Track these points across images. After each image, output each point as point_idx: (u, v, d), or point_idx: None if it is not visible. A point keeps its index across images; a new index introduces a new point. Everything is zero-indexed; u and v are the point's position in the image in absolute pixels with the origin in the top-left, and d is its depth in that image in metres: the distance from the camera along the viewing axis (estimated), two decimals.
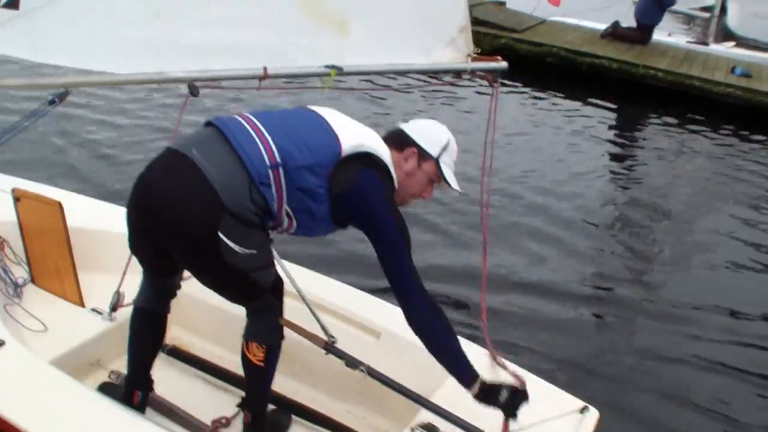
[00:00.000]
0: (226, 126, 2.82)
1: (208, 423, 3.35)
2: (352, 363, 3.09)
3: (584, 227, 7.30)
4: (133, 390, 3.24)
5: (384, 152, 2.95)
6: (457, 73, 4.27)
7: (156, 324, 3.28)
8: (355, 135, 2.91)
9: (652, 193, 8.59)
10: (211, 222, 2.67)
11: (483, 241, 3.93)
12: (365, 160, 2.86)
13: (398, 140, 3.08)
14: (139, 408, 3.25)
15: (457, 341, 2.88)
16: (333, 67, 4.01)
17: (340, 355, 3.14)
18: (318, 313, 3.32)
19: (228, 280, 2.88)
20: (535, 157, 9.16)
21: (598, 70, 13.08)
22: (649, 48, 13.83)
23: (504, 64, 4.25)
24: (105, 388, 3.43)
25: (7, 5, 3.35)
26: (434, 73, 4.39)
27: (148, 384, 3.30)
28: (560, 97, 12.08)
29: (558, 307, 5.72)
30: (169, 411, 3.37)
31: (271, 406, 3.37)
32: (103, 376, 3.55)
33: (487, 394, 2.79)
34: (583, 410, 3.26)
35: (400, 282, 2.79)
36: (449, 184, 3.12)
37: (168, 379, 3.59)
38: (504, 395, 2.75)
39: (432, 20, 4.16)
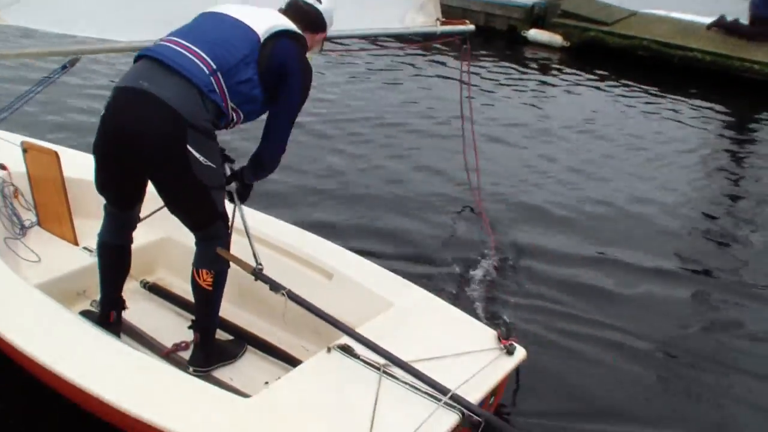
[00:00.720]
0: (161, 54, 3.13)
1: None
2: (274, 287, 3.38)
3: (672, 209, 7.04)
4: (108, 311, 3.68)
5: (291, 25, 3.33)
6: (428, 37, 4.66)
7: (122, 254, 3.67)
8: (264, 20, 3.27)
9: (743, 183, 8.28)
10: (180, 137, 3.02)
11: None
12: (279, 35, 3.26)
13: (314, 23, 3.50)
14: (115, 325, 3.69)
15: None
16: None
17: (265, 280, 3.42)
18: (253, 243, 3.65)
19: (193, 196, 3.24)
20: (619, 146, 8.94)
21: (690, 63, 12.80)
22: (744, 40, 13.35)
23: (471, 27, 4.62)
24: (86, 314, 3.79)
25: None
26: (406, 36, 4.79)
27: (120, 304, 3.74)
28: (650, 90, 11.89)
29: (649, 284, 5.54)
30: (139, 336, 3.84)
31: (229, 336, 3.85)
32: (85, 305, 3.97)
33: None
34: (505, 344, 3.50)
35: (282, 133, 3.42)
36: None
37: (144, 311, 4.04)
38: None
39: None
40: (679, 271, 5.74)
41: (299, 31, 3.36)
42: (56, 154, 4.21)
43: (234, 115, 3.26)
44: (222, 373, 3.59)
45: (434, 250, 5.58)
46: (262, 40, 3.21)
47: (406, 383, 3.08)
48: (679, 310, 5.18)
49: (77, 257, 4.15)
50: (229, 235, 3.51)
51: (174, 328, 3.92)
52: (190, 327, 3.66)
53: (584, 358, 4.44)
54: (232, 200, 3.66)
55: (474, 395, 3.10)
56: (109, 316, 3.71)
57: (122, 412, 2.84)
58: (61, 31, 4.24)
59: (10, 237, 4.13)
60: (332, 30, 4.47)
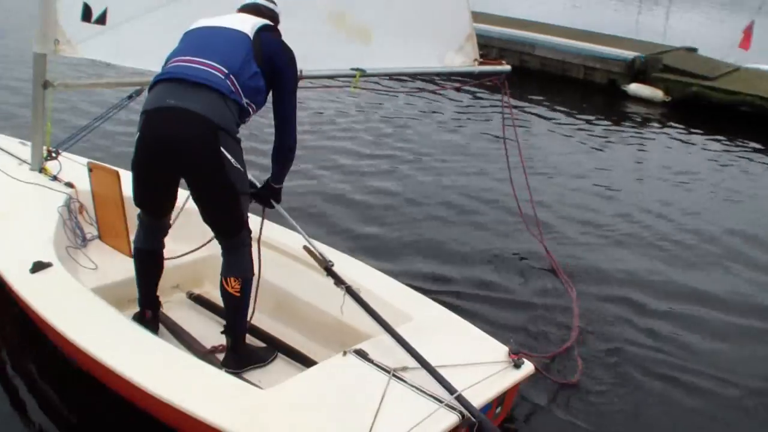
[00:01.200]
0: (178, 73, 3.44)
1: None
2: (339, 282, 3.87)
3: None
4: (145, 310, 4.00)
5: (265, 20, 3.76)
6: (466, 76, 4.87)
7: (156, 258, 3.98)
8: (244, 22, 3.67)
9: None
10: (213, 140, 3.34)
11: None
12: (261, 30, 3.65)
13: (276, 20, 3.90)
14: (152, 321, 4.00)
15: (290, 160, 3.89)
16: (358, 69, 4.88)
17: (333, 275, 3.89)
18: (316, 245, 4.13)
19: (227, 200, 3.55)
20: (714, 198, 8.57)
21: None
22: None
23: (507, 67, 4.82)
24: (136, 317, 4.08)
25: (97, 21, 4.63)
26: (445, 75, 5.02)
27: (156, 304, 4.06)
28: (753, 146, 11.44)
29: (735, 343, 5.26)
30: (181, 338, 4.13)
31: (261, 344, 4.10)
32: (134, 310, 4.18)
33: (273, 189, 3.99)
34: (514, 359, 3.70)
35: (293, 111, 3.74)
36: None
37: (188, 318, 4.34)
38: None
39: (442, 30, 4.90)
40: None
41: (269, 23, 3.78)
42: (117, 174, 4.57)
43: (250, 109, 3.59)
44: (251, 375, 3.83)
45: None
46: (251, 37, 3.56)
47: (413, 386, 3.29)
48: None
49: (130, 268, 4.53)
50: (251, 244, 3.83)
51: (214, 334, 4.18)
52: (222, 332, 3.97)
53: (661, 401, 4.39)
54: (269, 206, 4.01)
55: (476, 400, 3.28)
56: (145, 314, 4.02)
57: (148, 394, 3.16)
58: (127, 64, 4.73)
59: (72, 246, 4.52)
60: (376, 68, 4.82)
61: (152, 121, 3.44)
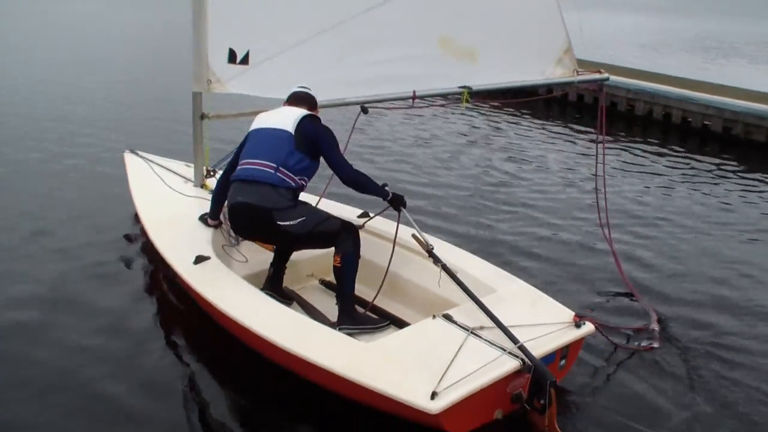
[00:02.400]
0: (242, 176, 4.76)
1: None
2: (436, 261, 4.73)
3: None
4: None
5: (304, 111, 4.90)
6: (567, 85, 5.35)
7: (281, 271, 5.17)
8: (288, 118, 4.83)
9: None
10: (268, 218, 4.62)
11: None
12: (302, 120, 4.79)
13: (314, 104, 5.08)
14: (287, 298, 5.11)
15: (370, 180, 4.86)
16: (465, 87, 5.47)
17: (434, 257, 4.75)
18: (422, 233, 4.90)
19: (306, 239, 4.77)
20: None
21: None
22: None
23: (606, 75, 5.24)
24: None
25: (241, 62, 5.47)
26: (548, 87, 5.50)
27: (281, 291, 5.12)
28: None
29: None
30: (311, 313, 4.85)
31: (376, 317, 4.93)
32: None
33: (396, 197, 4.93)
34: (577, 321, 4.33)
35: (340, 166, 4.80)
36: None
37: (320, 299, 5.24)
38: (401, 199, 4.94)
39: (541, 46, 5.39)
40: None
41: (308, 111, 4.92)
42: None
43: (302, 182, 4.80)
44: (363, 338, 4.49)
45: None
46: (293, 132, 4.76)
47: (487, 341, 3.96)
48: None
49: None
50: (355, 238, 4.76)
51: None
52: (336, 304, 4.82)
53: None
54: (397, 209, 4.99)
55: (538, 351, 3.92)
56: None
57: (277, 346, 4.05)
58: (269, 95, 5.51)
59: (226, 245, 5.42)
60: (482, 84, 5.39)
61: (232, 213, 4.86)
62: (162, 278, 5.61)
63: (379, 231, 5.40)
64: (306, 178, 4.81)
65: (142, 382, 4.39)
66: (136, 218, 6.29)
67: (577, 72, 5.33)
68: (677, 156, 11.15)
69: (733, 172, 10.49)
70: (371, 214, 5.51)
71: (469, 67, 5.48)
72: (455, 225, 7.19)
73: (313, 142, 4.76)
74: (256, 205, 4.62)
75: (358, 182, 4.84)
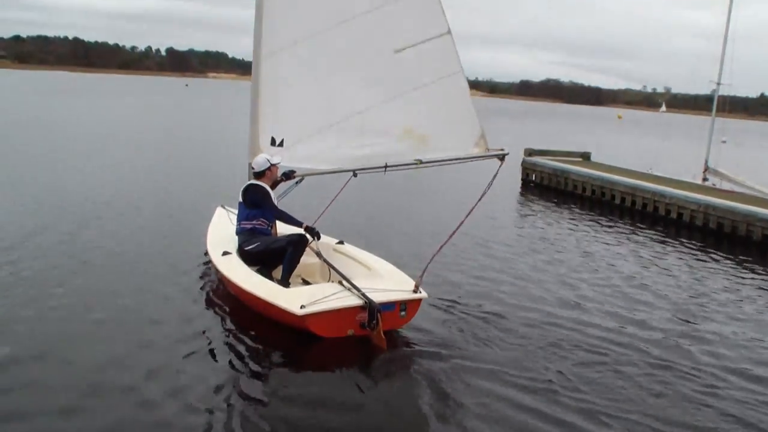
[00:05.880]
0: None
1: None
2: (320, 256, 8.38)
3: None
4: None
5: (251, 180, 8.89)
6: (482, 157, 8.46)
7: (269, 274, 8.71)
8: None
9: None
10: (239, 250, 8.69)
11: None
12: (247, 188, 8.81)
13: (257, 173, 8.87)
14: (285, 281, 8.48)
15: (289, 216, 8.53)
16: (418, 160, 8.65)
17: (321, 257, 8.41)
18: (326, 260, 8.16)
19: (268, 254, 8.56)
20: None
21: None
22: None
23: (506, 151, 8.33)
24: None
25: (279, 145, 8.80)
26: (471, 158, 8.58)
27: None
28: None
29: None
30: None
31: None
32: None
33: (309, 228, 8.51)
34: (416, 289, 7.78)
35: (270, 212, 8.65)
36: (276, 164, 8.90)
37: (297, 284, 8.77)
38: (315, 231, 8.52)
39: (466, 133, 8.54)
40: None
41: (253, 180, 8.85)
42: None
43: (270, 226, 8.82)
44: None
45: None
46: (241, 199, 8.88)
47: (351, 293, 7.54)
48: None
49: None
50: (294, 247, 8.48)
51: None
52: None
53: None
54: (312, 236, 8.50)
55: (379, 298, 7.32)
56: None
57: (261, 299, 7.68)
58: (301, 166, 8.87)
59: None
60: (430, 158, 8.56)
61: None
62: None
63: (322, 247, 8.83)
64: (264, 219, 8.67)
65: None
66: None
67: (488, 150, 8.46)
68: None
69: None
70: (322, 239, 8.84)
71: (422, 147, 8.69)
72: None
73: (251, 200, 8.67)
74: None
75: (280, 218, 8.54)
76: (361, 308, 7.21)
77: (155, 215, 13.38)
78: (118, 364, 6.67)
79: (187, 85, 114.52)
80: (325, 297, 7.24)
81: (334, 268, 8.33)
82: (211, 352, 7.12)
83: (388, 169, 8.68)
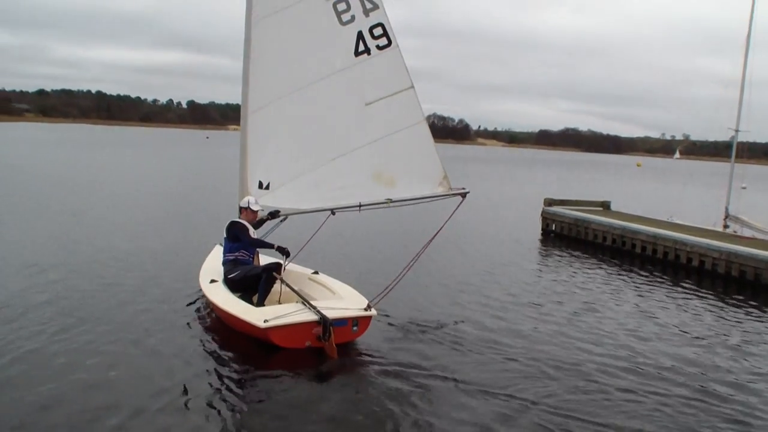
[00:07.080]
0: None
1: None
2: (282, 282, 9.36)
3: None
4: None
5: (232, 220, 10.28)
6: (446, 195, 9.49)
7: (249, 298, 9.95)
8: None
9: None
10: (225, 279, 10.02)
11: None
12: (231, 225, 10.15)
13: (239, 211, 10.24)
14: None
15: (262, 241, 10.14)
16: (388, 199, 9.69)
17: (283, 280, 9.95)
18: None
19: (248, 280, 9.86)
20: None
21: None
22: None
23: (467, 190, 9.37)
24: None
25: (265, 188, 9.91)
26: (437, 197, 9.60)
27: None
28: None
29: None
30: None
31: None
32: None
33: (281, 248, 9.87)
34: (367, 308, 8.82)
35: (249, 246, 10.06)
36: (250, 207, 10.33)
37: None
38: (285, 249, 9.89)
39: (430, 174, 9.57)
40: None
41: (234, 218, 10.36)
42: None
43: (252, 257, 10.11)
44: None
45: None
46: (225, 234, 10.31)
47: (309, 310, 8.75)
48: None
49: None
50: (267, 276, 9.63)
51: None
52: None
53: None
54: (283, 254, 9.72)
55: (333, 315, 8.54)
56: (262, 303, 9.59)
57: (237, 318, 8.81)
58: (284, 206, 9.95)
59: None
60: (398, 198, 9.61)
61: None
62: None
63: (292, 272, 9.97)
64: (246, 251, 9.94)
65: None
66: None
67: (451, 189, 9.49)
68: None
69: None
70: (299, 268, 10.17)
71: (390, 188, 9.75)
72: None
73: (233, 234, 9.92)
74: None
75: (255, 245, 9.82)
76: (316, 323, 8.36)
77: (165, 253, 14.70)
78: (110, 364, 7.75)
79: (207, 137, 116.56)
80: (287, 314, 8.42)
81: (293, 290, 9.44)
82: (186, 361, 8.21)
83: (362, 208, 9.73)
